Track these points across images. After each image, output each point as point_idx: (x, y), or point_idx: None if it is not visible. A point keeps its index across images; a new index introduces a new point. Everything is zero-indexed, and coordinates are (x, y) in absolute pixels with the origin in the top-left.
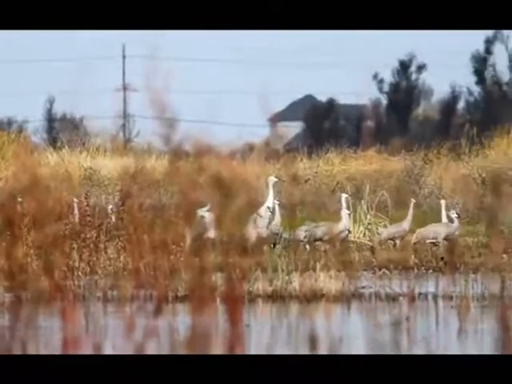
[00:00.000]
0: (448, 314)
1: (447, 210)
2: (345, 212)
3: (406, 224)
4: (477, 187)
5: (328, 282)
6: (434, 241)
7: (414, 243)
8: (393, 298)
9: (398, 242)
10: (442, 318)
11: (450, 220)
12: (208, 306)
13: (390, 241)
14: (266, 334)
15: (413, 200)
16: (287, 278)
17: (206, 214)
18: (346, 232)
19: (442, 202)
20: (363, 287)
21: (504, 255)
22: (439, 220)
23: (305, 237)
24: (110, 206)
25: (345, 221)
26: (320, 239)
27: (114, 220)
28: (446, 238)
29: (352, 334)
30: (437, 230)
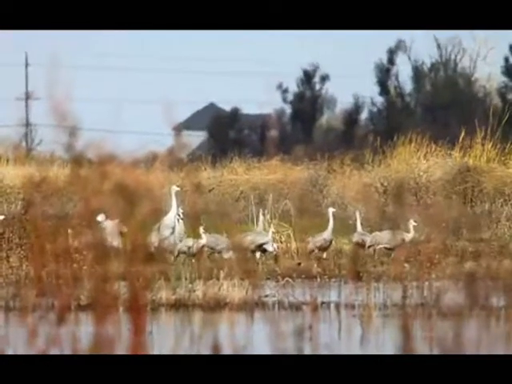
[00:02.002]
0: (351, 323)
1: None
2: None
3: (326, 234)
4: (379, 196)
5: (231, 290)
6: (387, 246)
7: (368, 247)
8: (296, 307)
9: (323, 253)
10: (344, 326)
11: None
12: (111, 315)
13: (316, 251)
14: (169, 343)
15: (331, 209)
16: (190, 286)
17: (104, 222)
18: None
19: (357, 212)
20: (266, 296)
21: (406, 264)
22: (350, 229)
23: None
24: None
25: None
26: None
27: (16, 229)
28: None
29: (255, 342)
30: (391, 237)
